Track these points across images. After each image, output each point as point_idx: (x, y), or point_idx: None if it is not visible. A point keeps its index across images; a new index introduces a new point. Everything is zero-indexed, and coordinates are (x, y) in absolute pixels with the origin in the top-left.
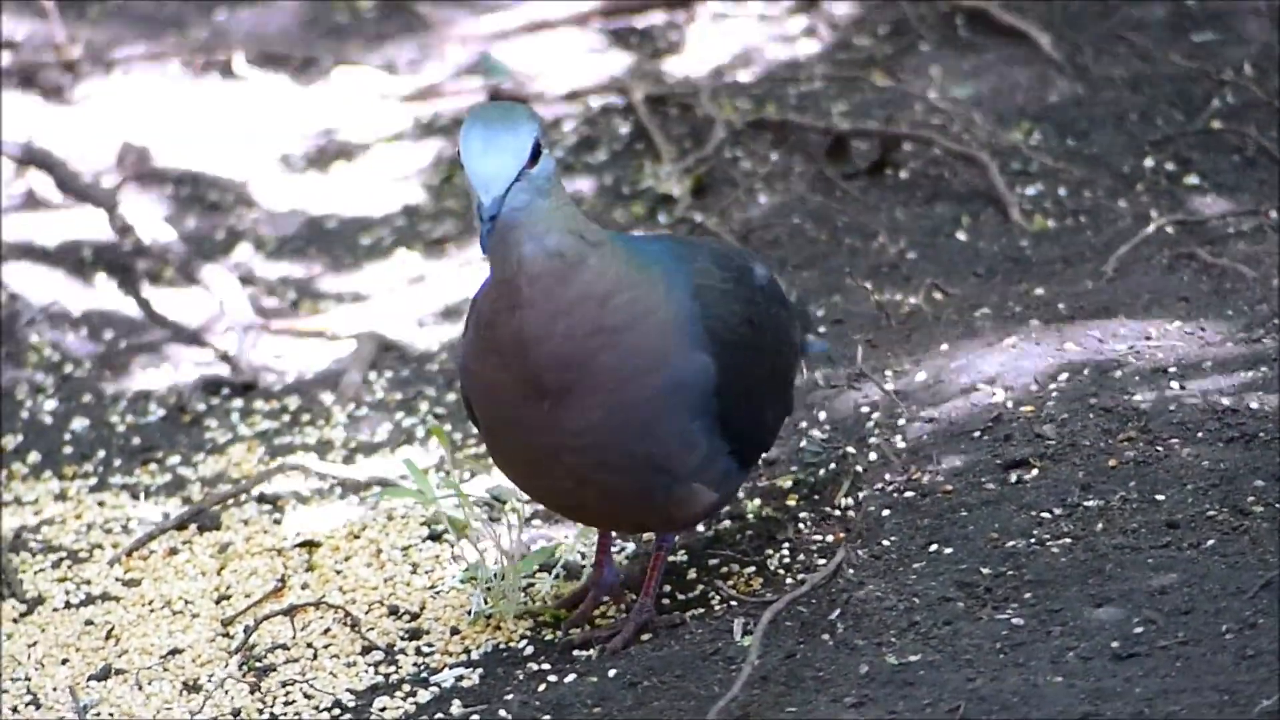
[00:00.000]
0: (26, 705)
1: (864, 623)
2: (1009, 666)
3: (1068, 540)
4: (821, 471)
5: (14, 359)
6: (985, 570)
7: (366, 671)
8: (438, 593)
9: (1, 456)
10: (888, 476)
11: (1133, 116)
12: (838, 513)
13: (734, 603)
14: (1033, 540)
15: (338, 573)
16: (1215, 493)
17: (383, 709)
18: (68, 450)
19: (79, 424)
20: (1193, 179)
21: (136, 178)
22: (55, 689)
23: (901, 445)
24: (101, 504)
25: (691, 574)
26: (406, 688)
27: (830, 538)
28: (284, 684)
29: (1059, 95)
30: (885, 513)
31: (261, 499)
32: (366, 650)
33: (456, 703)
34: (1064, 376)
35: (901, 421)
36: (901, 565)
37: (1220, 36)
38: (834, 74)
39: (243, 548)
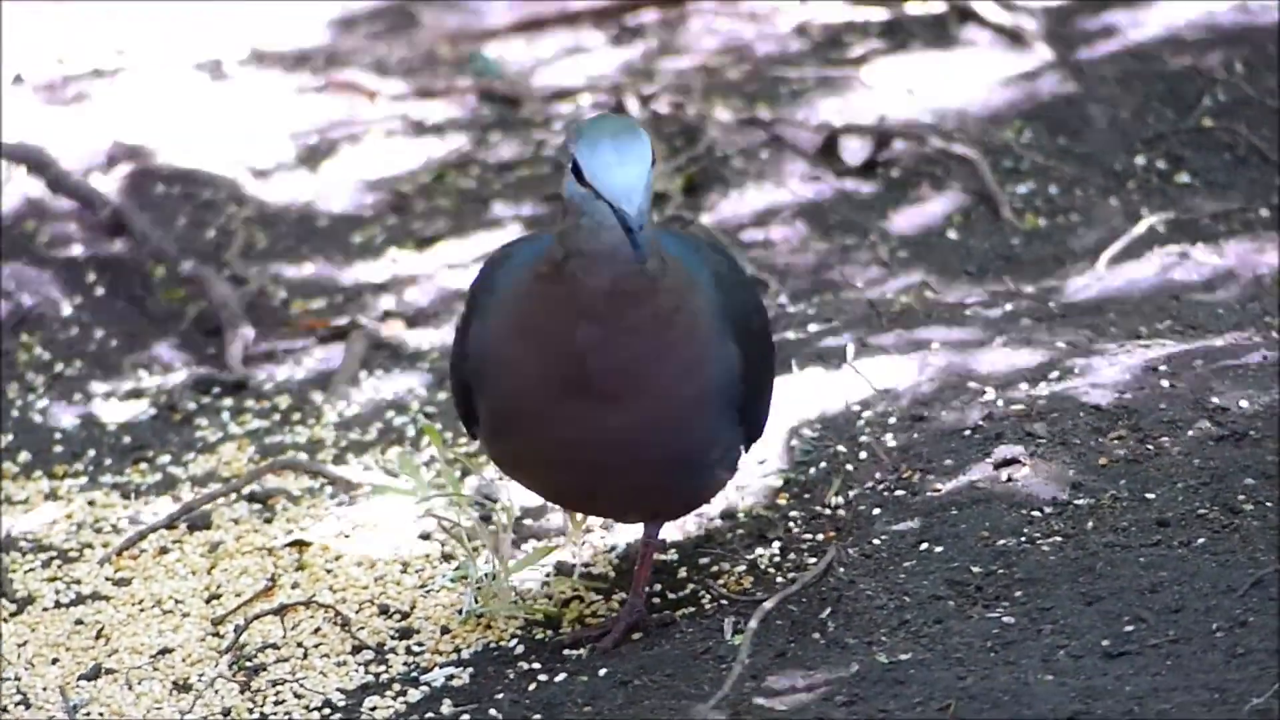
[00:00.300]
0: (17, 705)
1: (854, 621)
2: (1000, 665)
3: (1058, 538)
4: (812, 470)
5: (5, 358)
6: (976, 569)
7: (357, 671)
8: (428, 592)
9: None
10: (878, 475)
11: (1124, 115)
12: (828, 511)
13: (725, 601)
14: (1023, 539)
15: (328, 572)
16: (1206, 491)
17: (373, 708)
18: (58, 449)
19: (69, 423)
20: (1184, 177)
21: (129, 177)
22: (45, 688)
23: (892, 444)
24: (92, 503)
25: (682, 573)
26: (397, 687)
27: (821, 536)
28: (274, 683)
29: (1050, 93)
30: (876, 511)
31: (252, 498)
32: (357, 649)
33: (447, 702)
34: (1055, 374)
35: (892, 420)
36: (892, 564)
37: (1212, 35)
38: (826, 72)
39: (233, 547)
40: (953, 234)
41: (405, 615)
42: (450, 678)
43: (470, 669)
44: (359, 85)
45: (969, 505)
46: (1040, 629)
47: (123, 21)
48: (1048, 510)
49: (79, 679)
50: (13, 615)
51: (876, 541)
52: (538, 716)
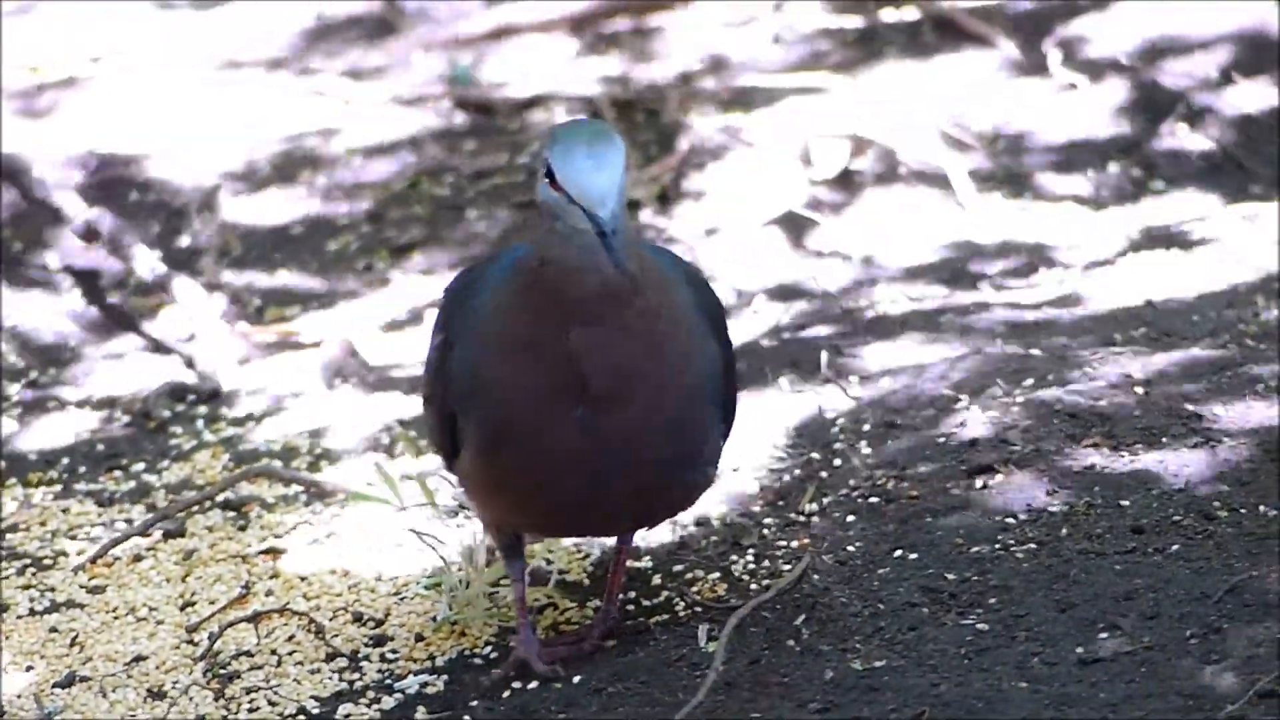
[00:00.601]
0: None
1: (829, 628)
2: (974, 672)
3: (1033, 546)
4: (786, 477)
5: None
6: (950, 576)
7: (331, 678)
8: (403, 599)
9: None
10: (852, 482)
11: (1098, 121)
12: (803, 519)
13: (699, 609)
14: (998, 545)
15: (302, 579)
16: (1180, 498)
17: (347, 715)
18: (32, 457)
19: (44, 431)
20: (1158, 184)
21: (103, 185)
22: (20, 696)
23: (866, 451)
24: (66, 511)
25: (657, 580)
26: (371, 694)
27: (795, 543)
28: (248, 691)
29: (1025, 100)
30: (850, 518)
31: (226, 505)
32: (331, 657)
33: (421, 709)
34: (1029, 381)
35: (866, 427)
36: (866, 571)
37: (1186, 42)
38: (800, 80)
39: (207, 554)
40: (927, 240)
41: (380, 622)
42: (425, 685)
43: (445, 676)
44: (333, 92)
45: (943, 512)
46: (1014, 636)
47: (96, 30)
48: (1022, 517)
49: (53, 686)
50: None
51: (851, 549)
52: None
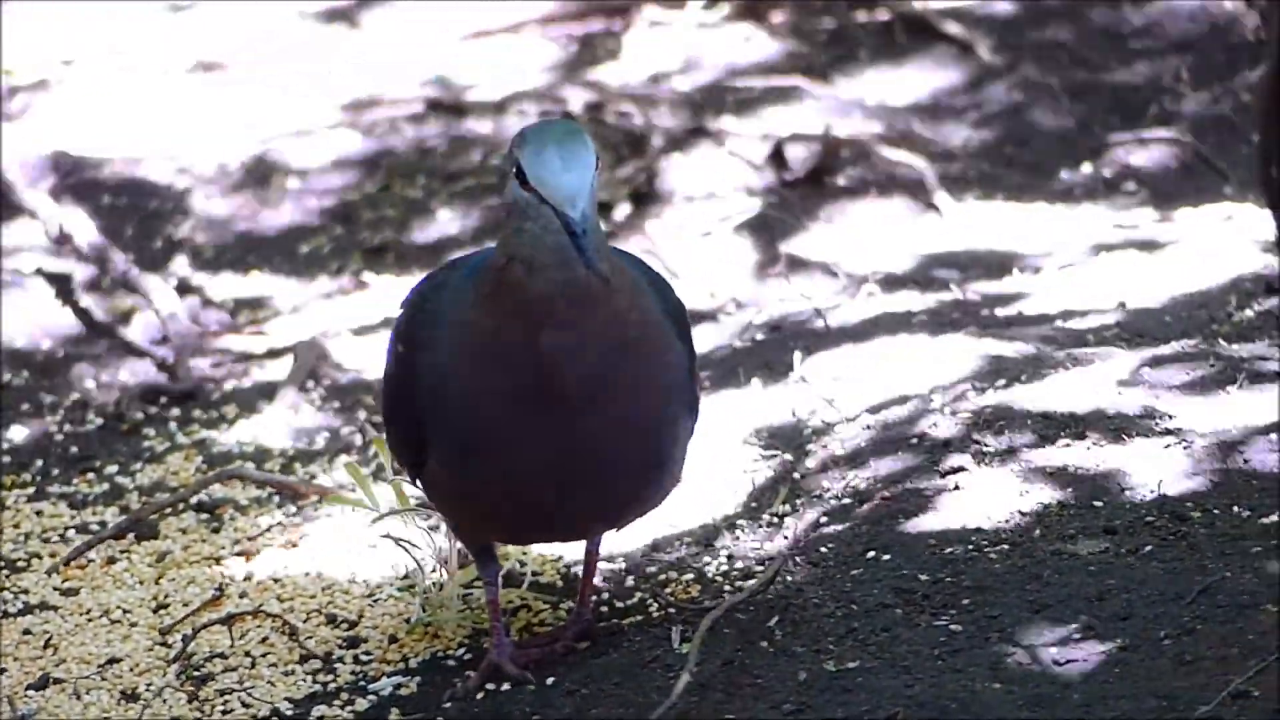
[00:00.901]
0: None
1: (802, 629)
2: (947, 673)
3: (1006, 547)
4: (759, 478)
5: None
6: (923, 577)
7: (304, 680)
8: (376, 601)
9: None
10: (825, 483)
11: (1071, 123)
12: (776, 520)
13: (672, 610)
14: (970, 547)
15: (276, 581)
16: (1153, 498)
17: (320, 717)
18: (5, 459)
19: (17, 433)
20: (1130, 185)
21: (74, 187)
22: None
23: (839, 452)
24: (39, 513)
25: (630, 582)
26: (345, 696)
27: (768, 545)
28: (222, 693)
29: (998, 102)
30: (823, 519)
31: (200, 508)
32: (304, 659)
33: (395, 711)
34: (1001, 382)
35: (839, 428)
36: (839, 572)
37: (1159, 45)
38: (772, 82)
39: (181, 556)
40: (900, 242)
41: (353, 624)
42: (398, 687)
43: (418, 678)
44: (305, 94)
45: (916, 514)
46: (988, 637)
47: (67, 32)
48: (995, 518)
49: (27, 689)
50: None
51: (824, 550)
52: None
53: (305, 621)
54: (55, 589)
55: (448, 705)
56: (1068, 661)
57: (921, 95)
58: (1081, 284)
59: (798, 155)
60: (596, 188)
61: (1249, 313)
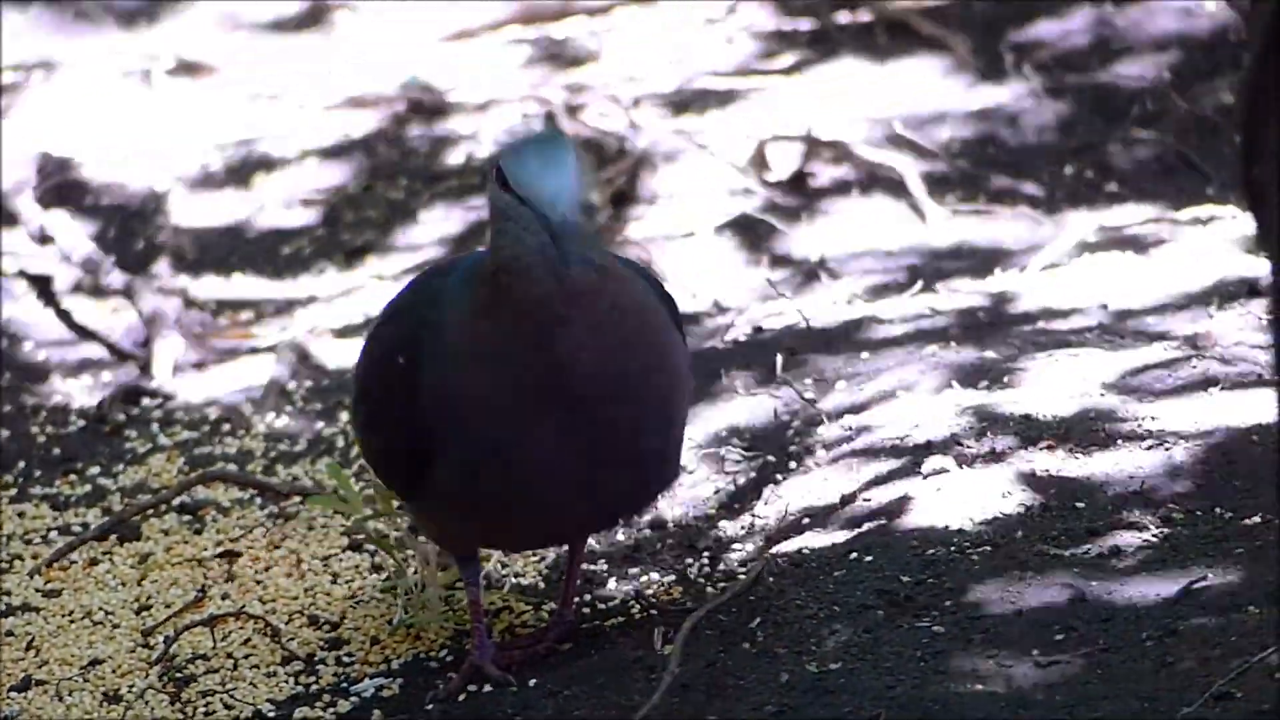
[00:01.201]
0: None
1: (784, 631)
2: (930, 674)
3: (988, 548)
4: (741, 480)
5: None
6: (906, 578)
7: (287, 681)
8: (358, 602)
9: None
10: (808, 485)
11: (1053, 124)
12: (758, 521)
13: (654, 612)
14: (953, 548)
15: (258, 583)
16: (1135, 500)
17: (303, 719)
18: None
19: None
20: (1113, 186)
21: (56, 189)
22: None
23: (822, 453)
24: (21, 515)
25: (612, 583)
26: (327, 697)
27: (750, 546)
28: (204, 694)
29: (979, 103)
30: (805, 521)
31: (182, 509)
32: (287, 660)
33: (377, 712)
34: (984, 384)
35: (821, 430)
36: (822, 573)
37: (1140, 45)
38: (754, 83)
39: (163, 558)
40: (881, 243)
41: (335, 626)
42: (380, 688)
43: (400, 679)
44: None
45: (899, 515)
46: (970, 638)
47: (48, 33)
48: (977, 520)
49: (9, 690)
50: None
51: (806, 551)
52: None
53: (287, 623)
54: (37, 591)
55: (430, 707)
56: (1050, 663)
57: (904, 96)
58: (1064, 285)
59: (780, 156)
60: (585, 189)
61: (1232, 314)
